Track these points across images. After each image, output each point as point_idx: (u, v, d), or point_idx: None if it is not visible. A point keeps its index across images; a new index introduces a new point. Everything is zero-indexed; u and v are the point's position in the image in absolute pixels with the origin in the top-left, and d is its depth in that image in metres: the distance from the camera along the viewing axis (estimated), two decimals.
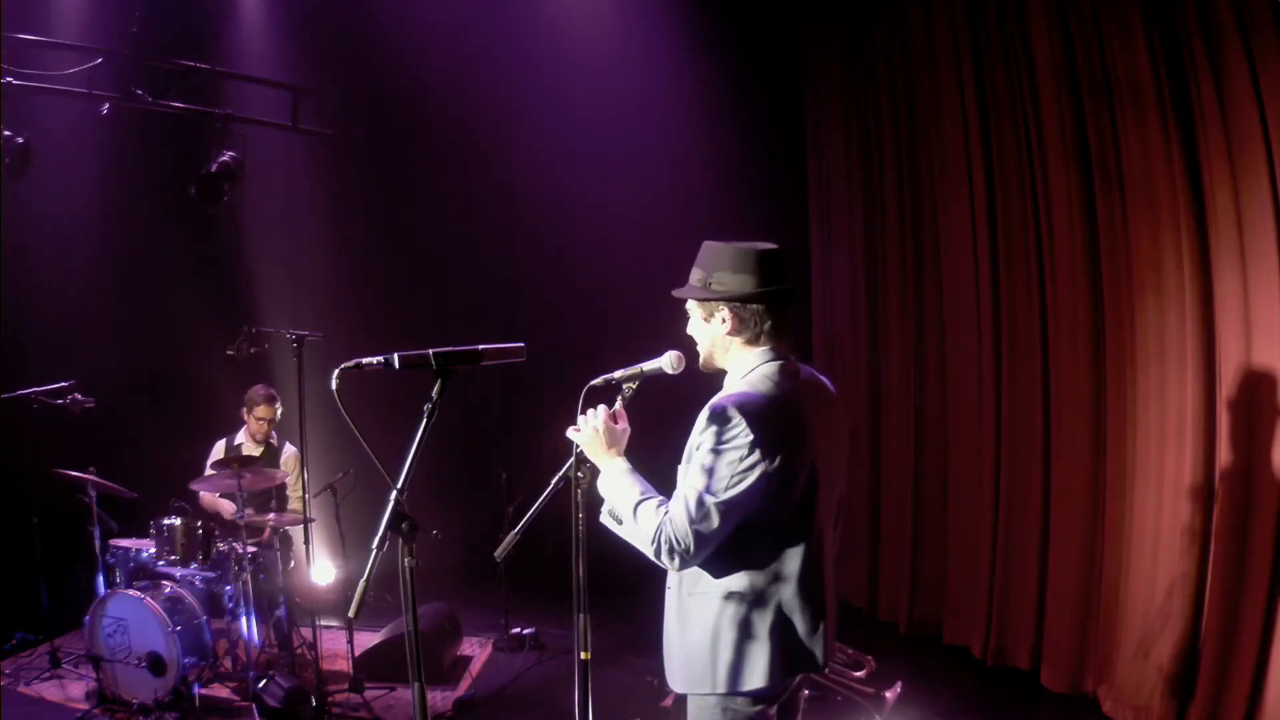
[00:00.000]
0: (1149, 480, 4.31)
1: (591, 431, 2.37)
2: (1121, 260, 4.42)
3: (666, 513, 2.25)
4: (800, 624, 2.35)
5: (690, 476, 2.27)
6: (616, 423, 2.41)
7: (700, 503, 2.21)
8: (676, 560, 2.24)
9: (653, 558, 2.29)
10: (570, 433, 2.39)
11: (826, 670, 2.68)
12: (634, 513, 2.29)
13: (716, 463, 2.23)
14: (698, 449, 2.28)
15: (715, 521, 2.21)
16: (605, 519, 2.41)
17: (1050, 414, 4.85)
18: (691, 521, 2.21)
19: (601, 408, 2.40)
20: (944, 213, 5.51)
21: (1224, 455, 3.95)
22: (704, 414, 2.30)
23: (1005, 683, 4.96)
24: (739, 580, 2.31)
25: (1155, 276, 4.24)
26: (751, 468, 2.22)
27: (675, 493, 2.29)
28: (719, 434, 2.23)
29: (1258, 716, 3.74)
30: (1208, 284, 4.00)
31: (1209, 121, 3.90)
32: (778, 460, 2.25)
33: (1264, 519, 3.78)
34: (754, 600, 2.31)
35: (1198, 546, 4.00)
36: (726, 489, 2.22)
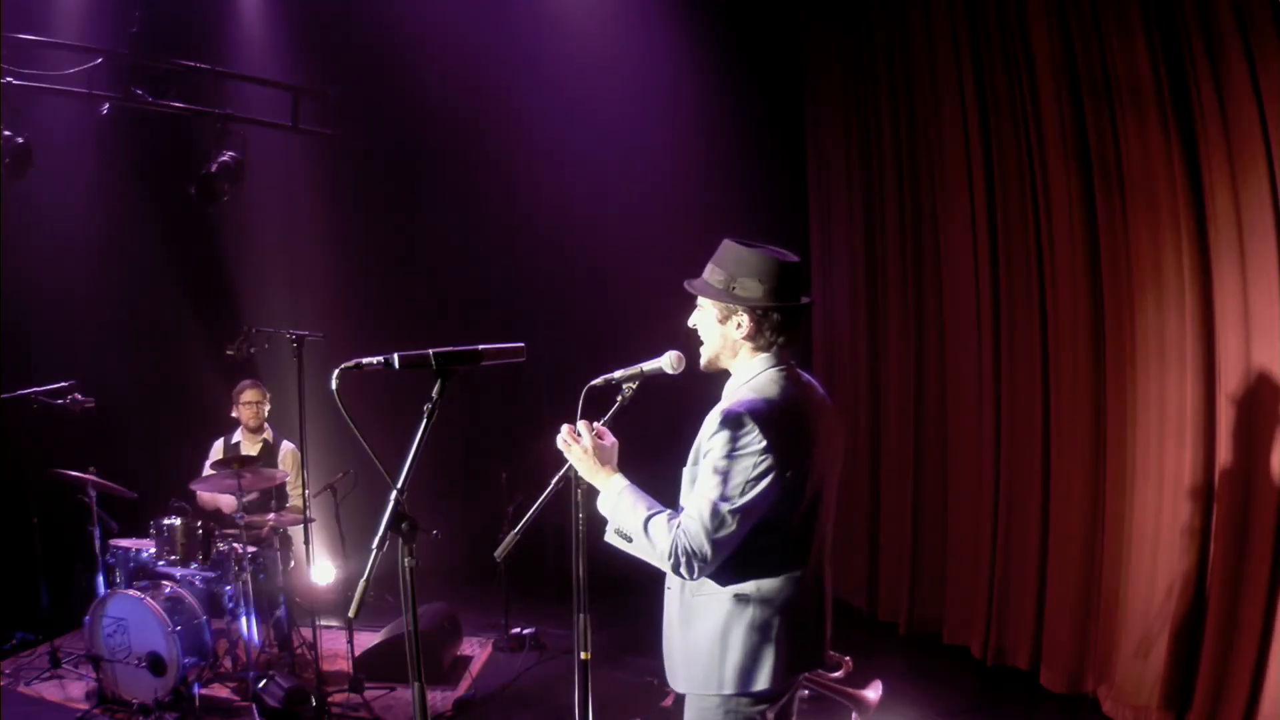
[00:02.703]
0: (1149, 480, 4.31)
1: (580, 452, 2.37)
2: (1121, 260, 4.42)
3: (679, 525, 2.24)
4: (807, 624, 2.37)
5: (702, 484, 2.26)
6: (603, 439, 2.41)
7: (715, 511, 2.21)
8: (695, 569, 2.23)
9: (669, 571, 2.29)
10: (561, 447, 2.40)
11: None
12: (645, 529, 2.28)
13: (730, 469, 2.22)
14: (707, 455, 2.27)
15: (731, 528, 2.21)
16: (612, 538, 2.38)
17: (1050, 414, 4.85)
18: (707, 531, 2.20)
19: (582, 424, 2.39)
20: (944, 213, 5.51)
21: (1224, 455, 3.95)
22: (714, 420, 2.29)
23: (1005, 683, 4.96)
24: (748, 582, 2.31)
25: (1155, 276, 4.24)
26: (765, 473, 2.22)
27: (688, 503, 2.28)
28: (732, 440, 2.23)
29: (1257, 716, 3.74)
30: (1208, 284, 4.00)
31: (1209, 121, 3.90)
32: (790, 465, 2.26)
33: (1264, 519, 3.78)
34: (762, 601, 2.31)
35: (1198, 546, 4.00)
36: (741, 495, 2.22)
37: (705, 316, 2.42)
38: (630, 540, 2.33)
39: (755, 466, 2.22)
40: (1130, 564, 4.39)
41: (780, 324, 2.36)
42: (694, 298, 2.44)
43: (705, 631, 2.34)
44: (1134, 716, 4.22)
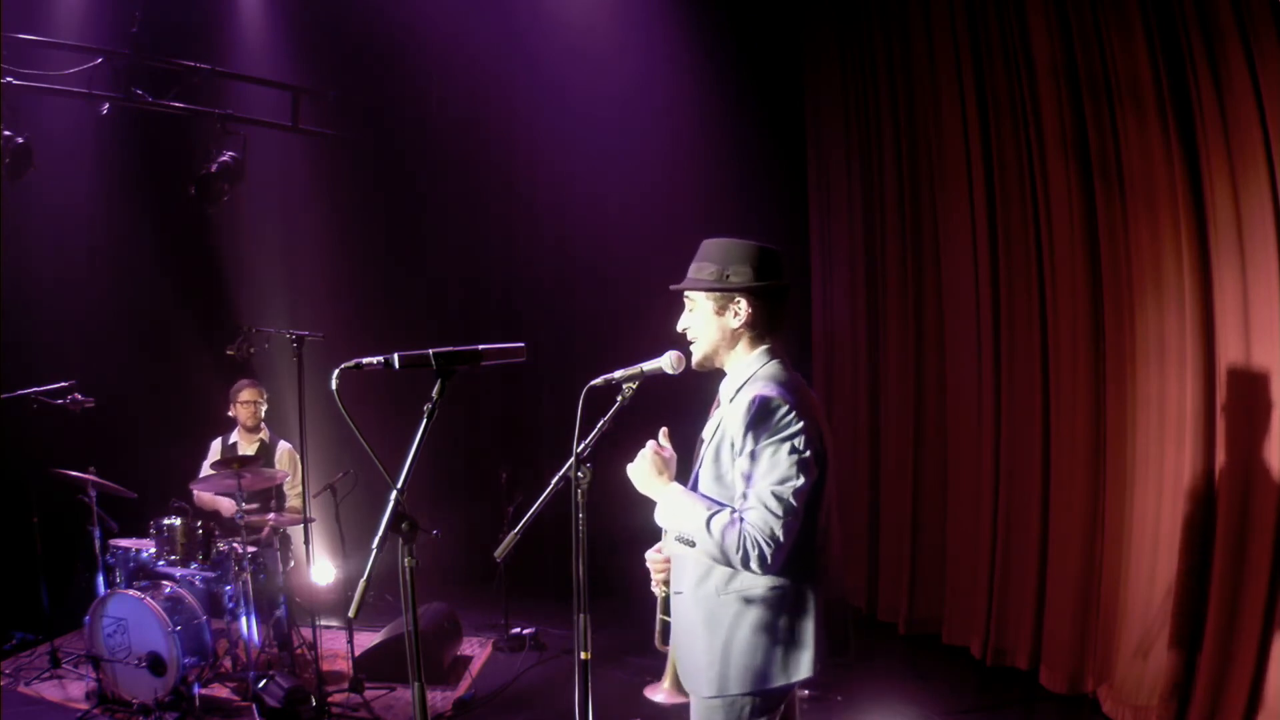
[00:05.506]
0: (1149, 480, 4.31)
1: (645, 464, 2.40)
2: (1121, 260, 4.42)
3: (742, 520, 2.23)
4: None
5: (756, 473, 2.26)
6: (662, 453, 2.43)
7: (778, 496, 2.22)
8: (769, 558, 2.20)
9: (738, 567, 2.25)
10: (630, 469, 2.43)
11: None
12: (707, 528, 2.25)
13: (779, 451, 2.24)
14: (754, 449, 2.26)
15: (796, 507, 2.22)
16: (674, 547, 2.41)
17: (1050, 414, 4.85)
18: (775, 515, 2.20)
19: (651, 442, 2.43)
20: (944, 213, 5.51)
21: (1223, 455, 3.94)
22: (745, 410, 2.29)
23: (1005, 683, 4.96)
24: (784, 572, 2.29)
25: (1155, 276, 4.24)
26: (808, 454, 2.25)
27: (747, 497, 2.26)
28: (773, 424, 2.25)
29: (1257, 716, 3.74)
30: (1208, 284, 4.00)
31: (1209, 121, 3.90)
32: (821, 446, 2.31)
33: (1264, 519, 3.77)
34: (798, 590, 2.32)
35: (1198, 546, 4.00)
36: (797, 474, 2.23)
37: (700, 313, 2.43)
38: (693, 545, 2.31)
39: (804, 446, 2.25)
40: (1130, 564, 4.38)
41: (774, 307, 2.42)
42: (683, 302, 2.46)
43: (743, 629, 2.32)
44: (1134, 716, 4.21)
